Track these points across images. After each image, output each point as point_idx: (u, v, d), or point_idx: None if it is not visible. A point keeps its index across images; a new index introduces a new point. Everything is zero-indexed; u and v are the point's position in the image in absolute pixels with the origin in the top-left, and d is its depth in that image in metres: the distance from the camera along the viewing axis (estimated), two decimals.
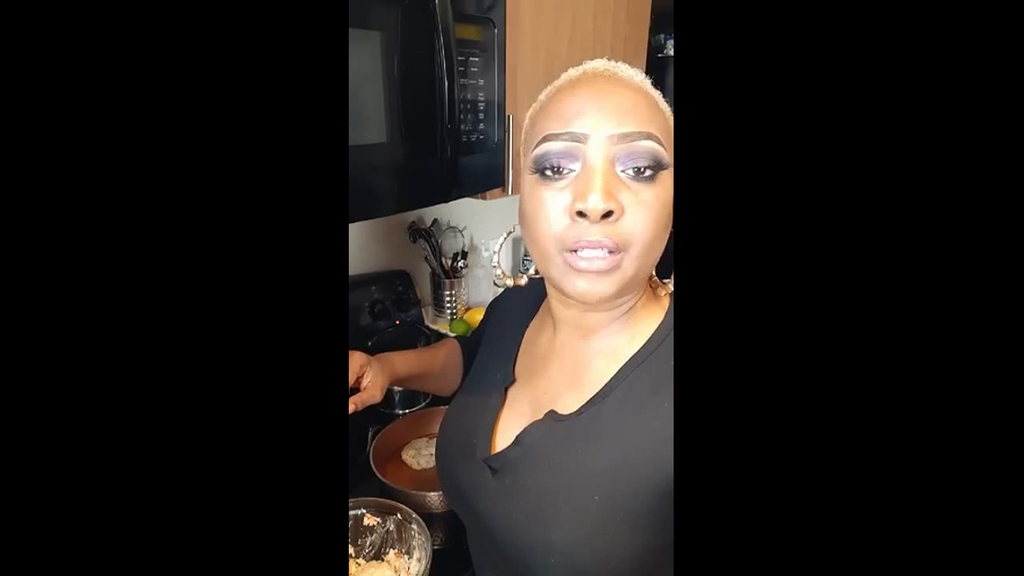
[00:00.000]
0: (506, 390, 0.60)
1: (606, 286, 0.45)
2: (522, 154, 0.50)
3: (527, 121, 0.51)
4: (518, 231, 0.52)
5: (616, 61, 0.48)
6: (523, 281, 0.59)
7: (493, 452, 0.57)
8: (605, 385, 0.51)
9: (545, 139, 0.45)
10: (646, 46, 1.26)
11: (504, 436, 0.57)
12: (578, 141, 0.44)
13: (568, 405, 0.53)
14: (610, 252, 0.44)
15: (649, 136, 0.43)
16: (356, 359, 0.71)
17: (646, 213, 0.43)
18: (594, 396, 0.51)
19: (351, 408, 0.68)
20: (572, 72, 0.49)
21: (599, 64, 0.48)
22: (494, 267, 0.59)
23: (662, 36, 1.55)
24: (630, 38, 1.20)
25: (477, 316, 1.38)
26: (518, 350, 0.63)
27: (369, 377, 0.71)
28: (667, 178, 0.45)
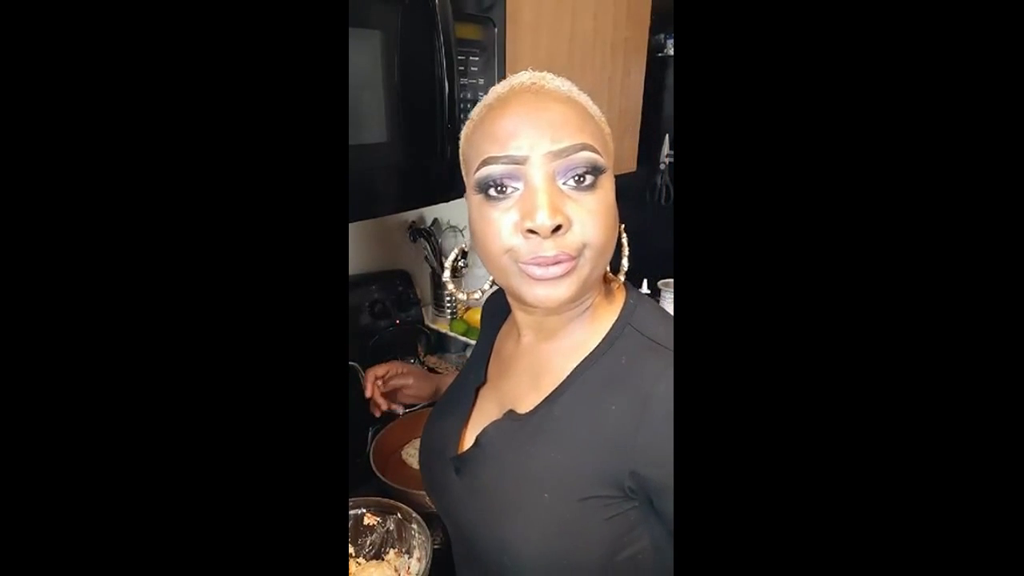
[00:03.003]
0: (477, 391, 0.62)
1: (564, 290, 0.46)
2: (463, 171, 0.51)
3: (462, 139, 0.51)
4: (467, 243, 0.55)
5: (543, 72, 0.49)
6: (476, 296, 0.60)
7: (459, 452, 0.58)
8: (560, 384, 0.52)
9: (485, 163, 0.46)
10: (646, 46, 1.26)
11: (471, 437, 0.59)
12: (517, 163, 0.45)
13: (527, 405, 0.54)
14: (566, 260, 0.45)
15: (584, 147, 0.45)
16: (396, 366, 0.85)
17: (594, 219, 0.45)
18: (549, 395, 0.52)
19: (379, 397, 0.82)
20: (499, 88, 0.49)
21: (524, 78, 0.48)
22: (445, 282, 0.60)
23: (662, 36, 1.55)
24: (630, 38, 1.20)
25: (477, 315, 1.38)
26: (491, 351, 0.64)
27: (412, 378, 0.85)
28: (607, 182, 0.47)
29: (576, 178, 0.45)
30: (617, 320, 0.52)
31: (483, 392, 0.62)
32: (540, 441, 0.51)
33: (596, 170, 0.45)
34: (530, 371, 0.56)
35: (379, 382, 0.84)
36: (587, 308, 0.52)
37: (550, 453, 0.50)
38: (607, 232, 0.46)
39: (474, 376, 0.63)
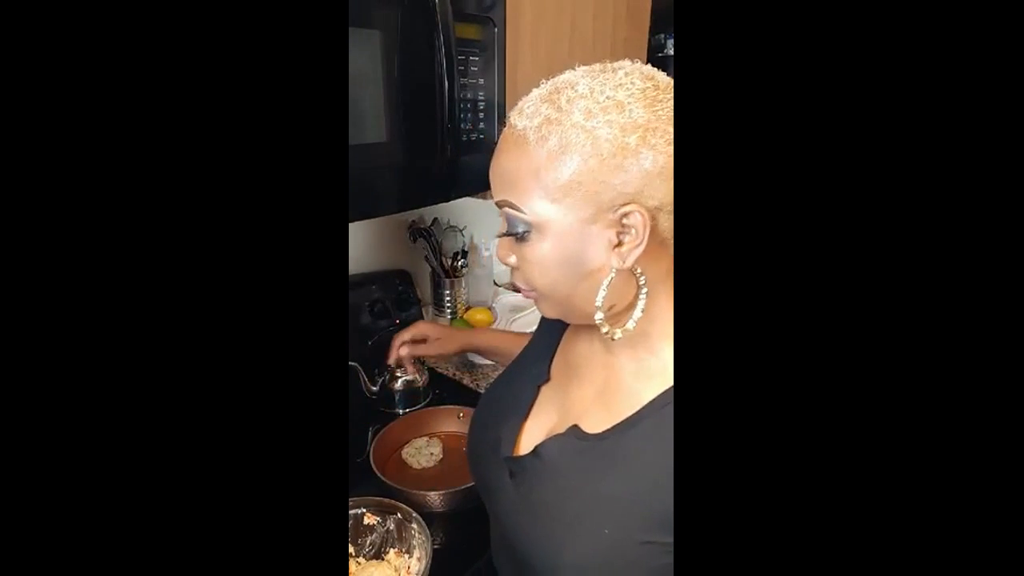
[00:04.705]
0: (539, 388, 0.61)
1: (541, 309, 0.52)
2: None
3: None
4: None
5: (552, 84, 0.45)
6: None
7: (516, 454, 0.57)
8: (635, 413, 0.49)
9: None
10: (646, 46, 1.26)
11: (529, 439, 0.57)
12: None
13: (594, 422, 0.52)
14: (526, 291, 0.51)
15: (504, 204, 0.46)
16: (424, 327, 0.92)
17: (529, 268, 0.48)
18: (622, 422, 0.50)
19: (407, 350, 0.91)
20: None
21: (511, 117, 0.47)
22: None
23: (662, 36, 1.54)
24: (630, 38, 1.20)
25: (477, 315, 1.38)
26: (556, 349, 0.63)
27: (437, 334, 0.91)
28: (537, 239, 0.45)
29: (507, 233, 0.47)
30: None
31: (545, 390, 0.60)
32: (608, 469, 0.49)
33: (523, 227, 0.46)
34: (599, 384, 0.54)
35: (405, 348, 0.91)
36: (642, 331, 0.48)
37: (617, 485, 0.48)
38: (547, 278, 0.47)
39: (536, 371, 0.61)
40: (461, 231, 1.44)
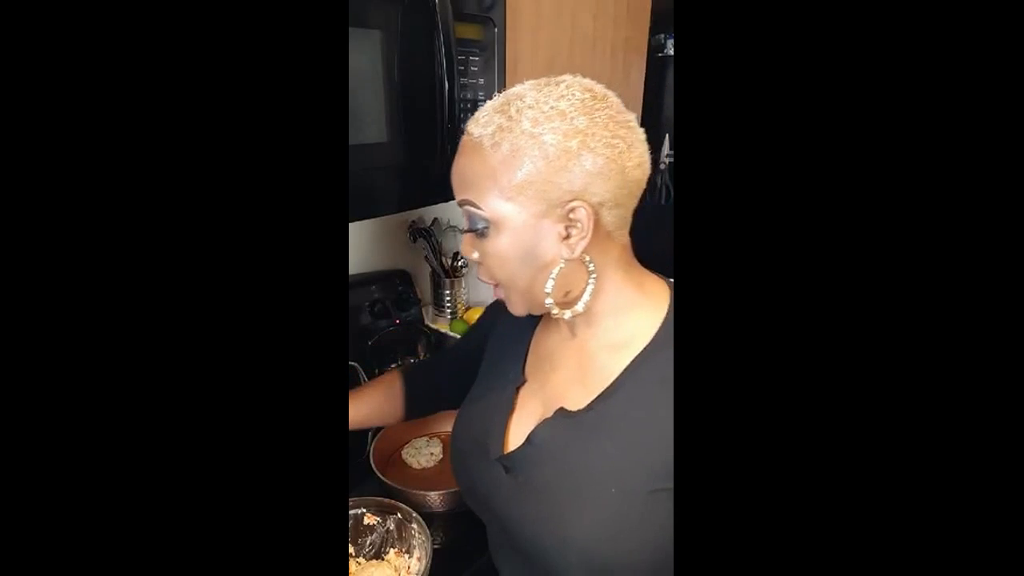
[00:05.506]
0: (517, 390, 0.62)
1: (509, 304, 0.55)
2: None
3: None
4: None
5: (486, 106, 0.49)
6: None
7: (506, 452, 0.58)
8: (613, 381, 0.53)
9: None
10: (646, 46, 1.26)
11: (516, 435, 0.59)
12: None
13: (576, 401, 0.54)
14: (493, 284, 0.54)
15: (465, 203, 0.50)
16: None
17: (490, 261, 0.52)
18: (603, 392, 0.53)
19: None
20: None
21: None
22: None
23: (662, 36, 1.55)
24: (630, 38, 1.20)
25: (477, 315, 1.38)
26: (527, 351, 0.64)
27: None
28: (495, 234, 0.49)
29: (467, 229, 0.51)
30: (667, 316, 0.53)
31: (524, 391, 0.62)
32: (599, 437, 0.52)
33: (482, 223, 0.49)
34: (575, 367, 0.56)
35: None
36: (610, 312, 0.53)
37: (611, 449, 0.51)
38: (506, 271, 0.51)
39: (512, 376, 0.63)
40: (461, 231, 1.44)
